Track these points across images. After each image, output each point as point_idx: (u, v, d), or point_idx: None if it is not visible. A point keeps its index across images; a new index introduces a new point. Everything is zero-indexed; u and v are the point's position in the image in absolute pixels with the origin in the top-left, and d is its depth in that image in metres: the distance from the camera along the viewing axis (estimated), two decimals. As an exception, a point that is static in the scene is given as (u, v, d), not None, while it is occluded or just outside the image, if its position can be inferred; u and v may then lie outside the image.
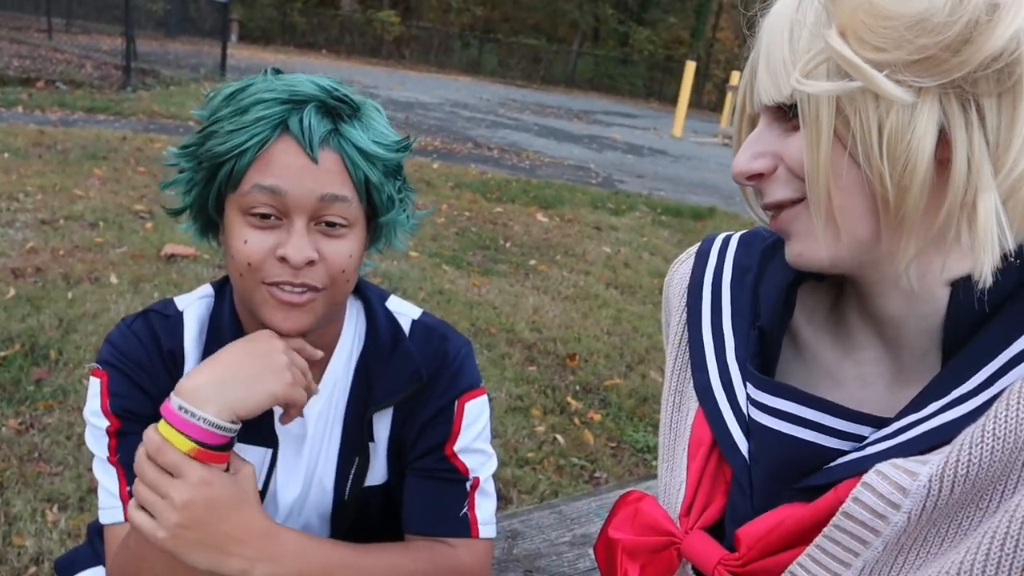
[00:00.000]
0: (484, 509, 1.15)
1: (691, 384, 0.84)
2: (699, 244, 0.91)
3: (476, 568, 1.13)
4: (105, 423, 1.06)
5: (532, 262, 5.99)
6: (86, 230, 5.19)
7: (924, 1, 0.56)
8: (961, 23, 0.55)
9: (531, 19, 38.70)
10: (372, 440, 1.15)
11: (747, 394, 0.76)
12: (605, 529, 0.87)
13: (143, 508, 0.89)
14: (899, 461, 0.61)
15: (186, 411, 0.88)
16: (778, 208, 0.70)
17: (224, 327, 1.10)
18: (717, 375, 0.81)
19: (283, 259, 0.95)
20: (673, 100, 23.17)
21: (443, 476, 1.14)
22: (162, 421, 0.89)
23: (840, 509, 0.62)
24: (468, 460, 1.15)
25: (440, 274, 5.33)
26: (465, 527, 1.13)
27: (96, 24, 17.82)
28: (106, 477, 1.07)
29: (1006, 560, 0.55)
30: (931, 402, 0.64)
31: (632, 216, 8.25)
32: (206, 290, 1.15)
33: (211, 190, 0.99)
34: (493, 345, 4.27)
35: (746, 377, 0.77)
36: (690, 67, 18.74)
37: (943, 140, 0.59)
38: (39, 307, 3.90)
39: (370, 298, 1.17)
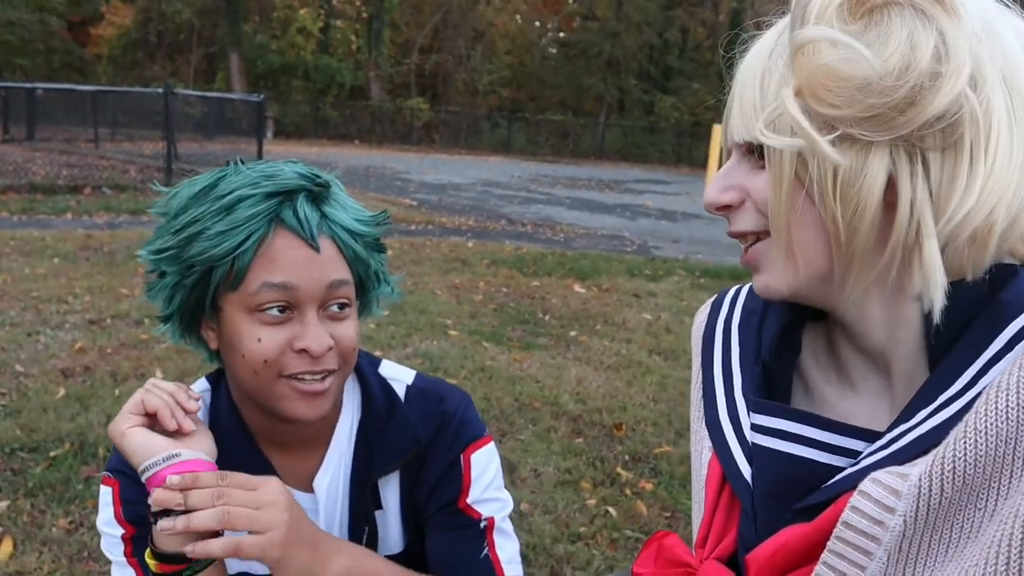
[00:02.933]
0: (506, 549, 1.15)
1: (704, 423, 0.88)
2: (715, 296, 0.97)
3: None
4: (120, 531, 1.06)
5: (572, 333, 5.96)
6: (131, 328, 5.29)
7: (874, 67, 0.62)
8: (907, 87, 0.61)
9: (556, 96, 39.48)
10: (381, 508, 1.15)
11: (749, 421, 0.80)
12: (633, 567, 0.91)
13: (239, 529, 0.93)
14: (891, 468, 0.64)
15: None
16: (742, 238, 0.76)
17: (225, 424, 1.10)
18: (725, 409, 0.85)
19: (302, 351, 0.96)
20: (703, 164, 23.28)
21: (457, 524, 1.14)
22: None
23: (840, 520, 0.64)
24: (482, 509, 1.15)
25: (480, 351, 5.32)
26: (489, 569, 1.12)
27: (139, 131, 18.53)
28: None
29: (1016, 562, 0.55)
30: (919, 410, 0.67)
31: (670, 281, 8.22)
32: (202, 385, 1.16)
33: (205, 292, 0.98)
34: (538, 419, 4.22)
35: (749, 406, 0.81)
36: (717, 131, 18.86)
37: (891, 186, 0.65)
38: (87, 406, 3.96)
39: (363, 367, 1.17)
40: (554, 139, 36.47)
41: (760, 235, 0.74)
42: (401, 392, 1.17)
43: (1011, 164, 0.63)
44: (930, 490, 0.60)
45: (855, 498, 0.64)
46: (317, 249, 0.96)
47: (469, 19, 38.83)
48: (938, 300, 0.65)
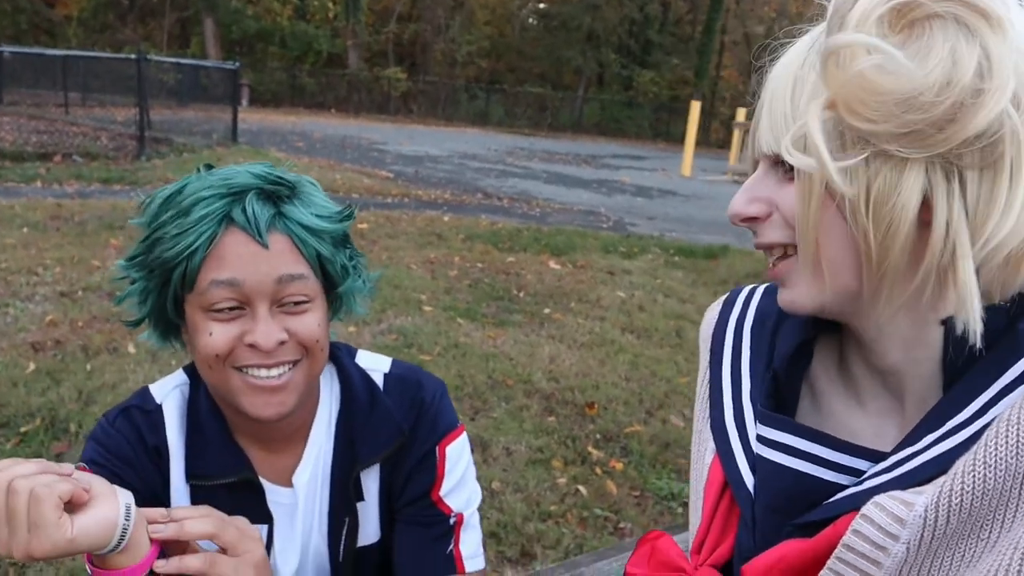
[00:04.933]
0: (468, 544, 1.17)
1: (708, 424, 0.87)
2: (728, 293, 0.97)
3: None
4: None
5: (547, 311, 5.99)
6: (104, 300, 5.25)
7: (914, 81, 0.59)
8: (947, 103, 0.58)
9: (536, 68, 39.23)
10: (362, 499, 1.17)
11: (756, 432, 0.79)
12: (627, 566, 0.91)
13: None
14: (896, 493, 0.63)
15: None
16: (768, 250, 0.74)
17: (203, 417, 1.11)
18: (731, 414, 0.84)
19: (252, 346, 0.98)
20: (680, 140, 23.33)
21: (428, 521, 1.16)
22: None
23: (841, 542, 0.64)
24: (453, 502, 1.17)
25: (455, 327, 5.34)
26: (451, 565, 1.15)
27: (111, 96, 18.20)
28: None
29: None
30: (926, 434, 0.66)
31: (645, 259, 8.26)
32: (180, 377, 1.16)
33: (167, 295, 1.01)
34: (511, 397, 4.25)
35: (757, 416, 0.80)
36: (695, 107, 18.89)
37: (927, 205, 0.63)
38: (59, 380, 3.94)
39: (341, 359, 1.18)
40: (532, 112, 36.29)
41: (788, 249, 0.72)
42: (380, 381, 1.18)
43: None
44: (936, 520, 0.60)
45: (858, 521, 0.63)
46: (265, 245, 0.97)
47: (448, -12, 38.41)
48: (974, 323, 0.63)
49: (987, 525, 0.59)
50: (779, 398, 0.80)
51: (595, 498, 3.32)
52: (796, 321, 0.83)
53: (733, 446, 0.82)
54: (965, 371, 0.67)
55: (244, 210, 0.97)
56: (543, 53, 38.63)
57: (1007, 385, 0.64)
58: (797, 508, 0.72)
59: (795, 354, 0.81)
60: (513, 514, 3.11)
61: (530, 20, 42.12)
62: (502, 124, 34.24)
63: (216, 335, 0.97)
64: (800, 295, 0.72)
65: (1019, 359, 0.65)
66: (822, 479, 0.72)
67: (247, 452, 1.11)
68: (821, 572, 0.65)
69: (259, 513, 1.11)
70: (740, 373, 0.87)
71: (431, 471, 1.16)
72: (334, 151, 16.39)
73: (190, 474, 1.10)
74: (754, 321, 0.89)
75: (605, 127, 35.61)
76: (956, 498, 0.59)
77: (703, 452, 0.88)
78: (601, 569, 1.63)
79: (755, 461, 0.78)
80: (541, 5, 41.59)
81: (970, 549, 0.60)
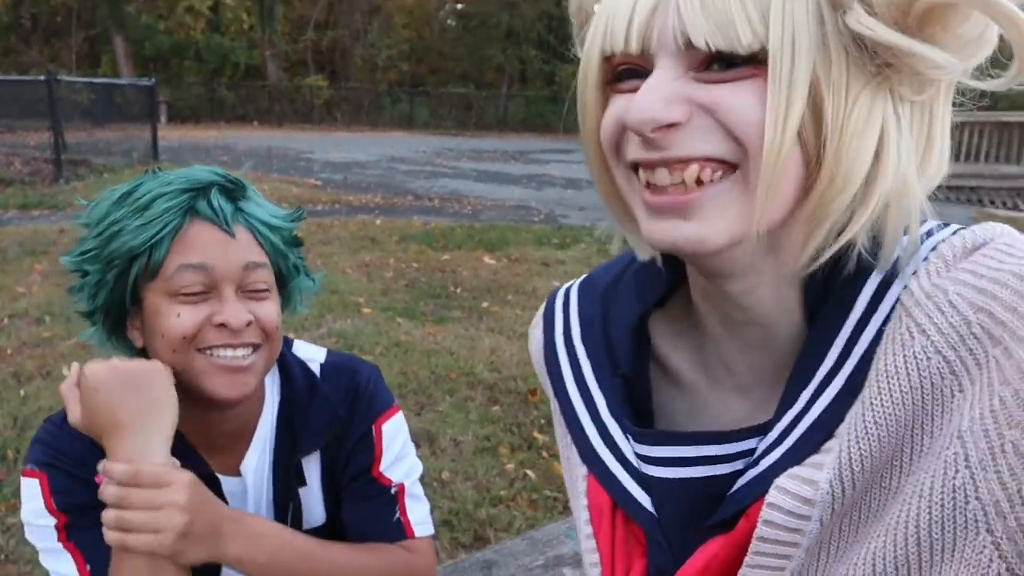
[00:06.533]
0: (416, 511, 1.24)
1: (574, 452, 0.79)
2: (544, 306, 0.87)
3: (421, 564, 1.21)
4: (52, 520, 1.08)
5: (484, 304, 6.05)
6: (32, 326, 5.13)
7: None
8: None
9: (457, 68, 39.23)
10: (305, 484, 1.21)
11: (632, 449, 0.73)
12: None
13: (133, 531, 0.95)
14: (795, 471, 0.60)
15: None
16: (680, 167, 0.58)
17: None
18: (597, 436, 0.76)
19: (221, 325, 1.02)
20: (605, 132, 23.46)
21: (372, 494, 1.22)
22: None
23: (755, 535, 0.62)
24: (393, 475, 1.23)
25: (395, 327, 5.36)
26: (400, 531, 1.21)
27: (21, 121, 17.60)
28: (59, 563, 1.08)
29: (925, 541, 0.56)
30: (800, 391, 0.63)
31: (578, 249, 8.38)
32: None
33: (126, 285, 1.04)
34: (455, 390, 4.30)
35: (626, 431, 0.73)
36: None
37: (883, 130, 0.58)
38: (-8, 409, 3.85)
39: (281, 350, 1.21)
40: (457, 112, 36.29)
41: (718, 166, 0.58)
42: (317, 370, 1.22)
43: None
44: (842, 490, 0.59)
45: (766, 511, 0.61)
46: (232, 234, 1.03)
47: (364, -7, 38.17)
48: (890, 249, 0.60)
49: (886, 474, 0.59)
50: (635, 398, 0.75)
51: (543, 480, 3.40)
52: (623, 312, 0.76)
53: (612, 469, 0.74)
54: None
55: (209, 203, 1.03)
56: (464, 53, 38.66)
57: (859, 320, 0.61)
58: (704, 511, 0.68)
59: (636, 342, 0.74)
60: (465, 501, 3.17)
61: (449, 21, 42.12)
62: (428, 126, 34.17)
63: (184, 317, 1.01)
64: (718, 228, 0.59)
65: (858, 291, 0.62)
66: (719, 475, 0.67)
67: (195, 448, 1.14)
68: (741, 569, 0.63)
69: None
70: (588, 390, 0.78)
71: (369, 449, 1.21)
72: (260, 163, 16.16)
73: None
74: (582, 330, 0.80)
75: (531, 123, 35.77)
76: (856, 464, 0.58)
77: (575, 479, 0.80)
78: (550, 531, 1.70)
79: (642, 478, 0.71)
80: (459, 5, 41.63)
81: (875, 499, 0.60)
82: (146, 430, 0.99)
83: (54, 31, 34.17)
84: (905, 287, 0.60)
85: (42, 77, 13.36)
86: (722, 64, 0.56)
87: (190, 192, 1.02)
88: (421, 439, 3.65)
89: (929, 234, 0.62)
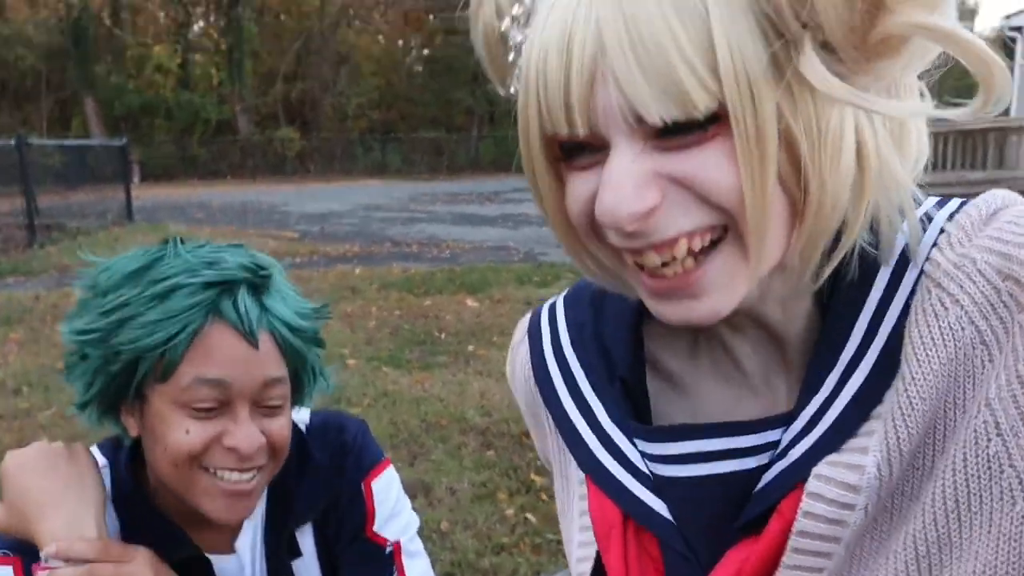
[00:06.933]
0: (413, 569, 1.16)
1: (572, 467, 0.75)
2: (527, 322, 0.83)
3: None
4: None
5: (470, 348, 6.01)
6: (9, 397, 5.02)
7: None
8: None
9: (427, 113, 39.55)
10: (300, 555, 1.15)
11: (639, 452, 0.68)
12: None
13: None
14: (835, 457, 0.57)
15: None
16: (668, 248, 0.54)
17: (133, 501, 1.06)
18: (600, 445, 0.71)
19: (231, 449, 0.94)
20: (578, 168, 23.71)
21: (367, 557, 1.15)
22: None
23: (794, 529, 0.57)
24: (388, 533, 1.16)
25: (381, 376, 5.30)
26: None
27: (-9, 188, 17.53)
28: None
29: (964, 516, 0.54)
30: (824, 377, 0.60)
31: (559, 285, 8.37)
32: (97, 459, 1.09)
33: (130, 381, 0.94)
34: (447, 437, 4.24)
35: (631, 435, 0.69)
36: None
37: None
38: (-27, 485, 3.74)
39: None
40: (429, 156, 36.53)
41: (709, 234, 0.54)
42: (303, 428, 1.17)
43: None
44: (890, 473, 0.56)
45: (806, 503, 0.57)
46: (256, 345, 0.93)
47: (331, 43, 38.48)
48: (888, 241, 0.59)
49: (922, 453, 0.57)
50: (633, 403, 0.71)
51: (545, 524, 3.33)
52: (617, 314, 0.73)
53: (619, 478, 0.68)
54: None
55: (236, 305, 0.92)
56: (432, 98, 39.03)
57: (880, 300, 0.59)
58: (731, 512, 0.63)
59: (633, 348, 0.71)
60: (466, 551, 3.10)
61: (416, 67, 42.56)
62: (401, 172, 34.30)
63: (193, 434, 0.92)
64: (729, 297, 0.56)
65: (872, 278, 0.60)
66: (745, 470, 0.63)
67: (183, 529, 1.07)
68: (780, 569, 0.59)
69: None
70: (584, 399, 0.73)
71: (361, 509, 1.15)
72: (235, 218, 16.12)
73: None
74: (571, 338, 0.76)
75: (502, 163, 35.91)
76: (905, 444, 0.55)
77: (573, 498, 0.75)
78: (563, 583, 1.64)
79: (654, 483, 0.67)
80: (425, 51, 42.09)
81: (911, 483, 0.57)
82: (75, 505, 0.93)
83: (24, 95, 34.20)
84: (928, 259, 0.58)
85: (12, 141, 13.28)
86: (682, 129, 0.51)
87: (215, 287, 0.92)
88: (416, 489, 3.58)
89: (928, 217, 0.61)
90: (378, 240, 12.53)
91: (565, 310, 0.79)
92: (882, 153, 0.55)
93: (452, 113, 39.42)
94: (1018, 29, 17.56)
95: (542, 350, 0.78)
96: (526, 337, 0.81)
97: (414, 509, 1.23)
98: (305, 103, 38.60)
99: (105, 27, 35.28)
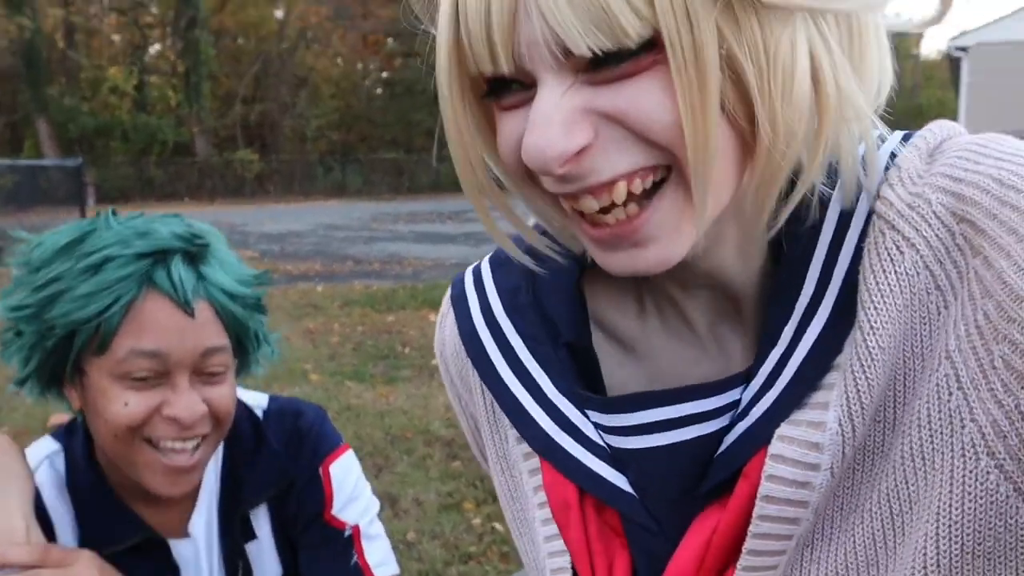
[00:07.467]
0: (373, 552, 1.15)
1: (516, 446, 0.68)
2: (450, 290, 0.75)
3: None
4: None
5: (434, 362, 5.95)
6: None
7: None
8: None
9: (387, 134, 39.51)
10: (255, 538, 1.14)
11: (593, 423, 0.63)
12: None
13: None
14: (797, 415, 0.54)
15: None
16: (605, 191, 0.50)
17: (86, 486, 1.05)
18: (548, 419, 0.64)
19: (172, 419, 0.92)
20: (539, 187, 23.84)
21: (325, 540, 1.14)
22: None
23: (759, 495, 0.54)
24: (347, 516, 1.15)
25: (345, 391, 5.25)
26: (359, 575, 1.13)
27: (-61, 209, 17.12)
28: None
29: (931, 471, 0.52)
30: (781, 327, 0.56)
31: (523, 301, 8.39)
32: (50, 446, 1.08)
33: (66, 356, 0.93)
34: (412, 449, 4.21)
35: (581, 406, 0.64)
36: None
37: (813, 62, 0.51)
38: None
39: None
40: (390, 177, 36.45)
41: (646, 172, 0.50)
42: (260, 416, 1.16)
43: None
44: (852, 429, 0.52)
45: (769, 465, 0.54)
46: (192, 314, 0.92)
47: (289, 66, 38.35)
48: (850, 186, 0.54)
49: (885, 406, 0.54)
50: (581, 370, 0.65)
51: (512, 532, 3.32)
52: (555, 274, 0.66)
53: (573, 452, 0.63)
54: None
55: (170, 275, 0.90)
56: (392, 119, 39.00)
57: (831, 242, 0.56)
58: (694, 480, 0.59)
59: (577, 309, 0.66)
60: (434, 561, 3.07)
61: (376, 89, 42.56)
62: (362, 193, 34.18)
63: (132, 405, 0.91)
64: (678, 244, 0.52)
65: (823, 219, 0.56)
66: (708, 434, 0.59)
67: (137, 512, 1.06)
68: (746, 542, 0.55)
69: (167, 568, 1.07)
70: (525, 369, 0.66)
71: (319, 493, 1.14)
72: (193, 238, 15.93)
73: (87, 545, 1.04)
74: (504, 304, 0.69)
75: (464, 184, 36.06)
76: (865, 396, 0.52)
77: (520, 481, 0.69)
78: None
79: (611, 455, 0.62)
80: (384, 74, 42.11)
81: (876, 439, 0.54)
82: None
83: (-28, 118, 33.54)
84: (878, 197, 0.55)
85: (-39, 164, 13.00)
86: (613, 59, 0.47)
87: (148, 258, 0.90)
88: (383, 501, 3.52)
89: (893, 155, 0.57)
90: (339, 259, 12.46)
91: (492, 273, 0.72)
92: (840, 80, 0.50)
93: (412, 134, 39.41)
94: (964, 49, 18.10)
95: (472, 322, 0.70)
96: (451, 309, 0.74)
97: (381, 520, 1.22)
98: (264, 125, 38.36)
99: (59, 49, 34.84)
